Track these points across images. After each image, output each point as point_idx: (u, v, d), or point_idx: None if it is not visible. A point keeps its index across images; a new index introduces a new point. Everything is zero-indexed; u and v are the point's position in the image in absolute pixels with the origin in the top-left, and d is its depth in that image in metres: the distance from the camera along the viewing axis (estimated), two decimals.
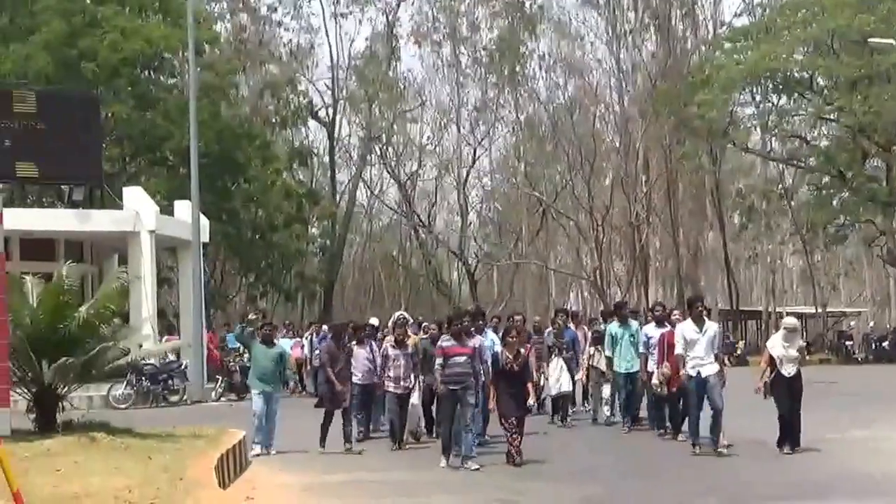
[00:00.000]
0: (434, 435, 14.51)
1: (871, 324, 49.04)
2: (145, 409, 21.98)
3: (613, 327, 15.94)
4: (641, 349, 15.22)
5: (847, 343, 40.48)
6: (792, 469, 11.82)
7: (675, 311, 15.94)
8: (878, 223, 39.69)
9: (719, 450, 12.58)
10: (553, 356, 16.52)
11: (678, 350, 13.03)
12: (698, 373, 12.78)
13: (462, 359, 12.29)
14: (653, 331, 15.01)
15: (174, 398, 23.19)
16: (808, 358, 13.02)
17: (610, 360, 15.90)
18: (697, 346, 12.87)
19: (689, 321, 13.19)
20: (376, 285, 58.22)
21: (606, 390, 16.53)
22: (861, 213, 36.25)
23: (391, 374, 14.20)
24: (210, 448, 11.88)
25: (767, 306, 49.24)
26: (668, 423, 14.71)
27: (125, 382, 22.35)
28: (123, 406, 21.90)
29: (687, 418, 13.66)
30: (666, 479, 11.56)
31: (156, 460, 10.70)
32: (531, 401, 13.42)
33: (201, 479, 9.35)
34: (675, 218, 48.25)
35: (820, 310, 47.59)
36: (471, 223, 53.28)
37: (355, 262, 58.42)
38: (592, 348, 16.72)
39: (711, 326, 13.16)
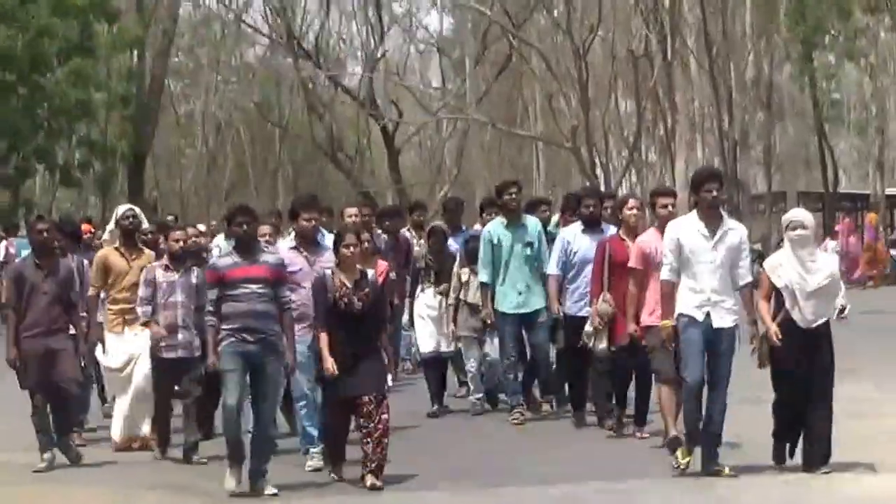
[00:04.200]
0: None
1: None
2: None
3: (496, 228, 12.17)
4: (553, 269, 11.74)
5: None
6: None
7: (631, 201, 11.63)
8: None
9: (716, 469, 9.01)
10: (426, 286, 13.35)
11: (664, 274, 9.11)
12: (707, 315, 8.89)
13: (254, 287, 9.25)
14: (580, 239, 11.71)
15: None
16: (843, 290, 9.04)
17: (487, 290, 12.24)
18: (704, 264, 8.85)
19: (691, 215, 9.14)
20: (236, 158, 51.56)
21: (488, 347, 12.59)
22: None
23: (160, 319, 10.71)
24: None
25: (876, 187, 42.79)
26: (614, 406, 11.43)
27: None
28: None
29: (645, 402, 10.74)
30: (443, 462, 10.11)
31: None
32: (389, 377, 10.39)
33: None
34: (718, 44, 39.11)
35: None
36: (387, 50, 45.01)
37: (203, 121, 50.52)
38: (466, 269, 12.61)
39: (736, 229, 9.07)
